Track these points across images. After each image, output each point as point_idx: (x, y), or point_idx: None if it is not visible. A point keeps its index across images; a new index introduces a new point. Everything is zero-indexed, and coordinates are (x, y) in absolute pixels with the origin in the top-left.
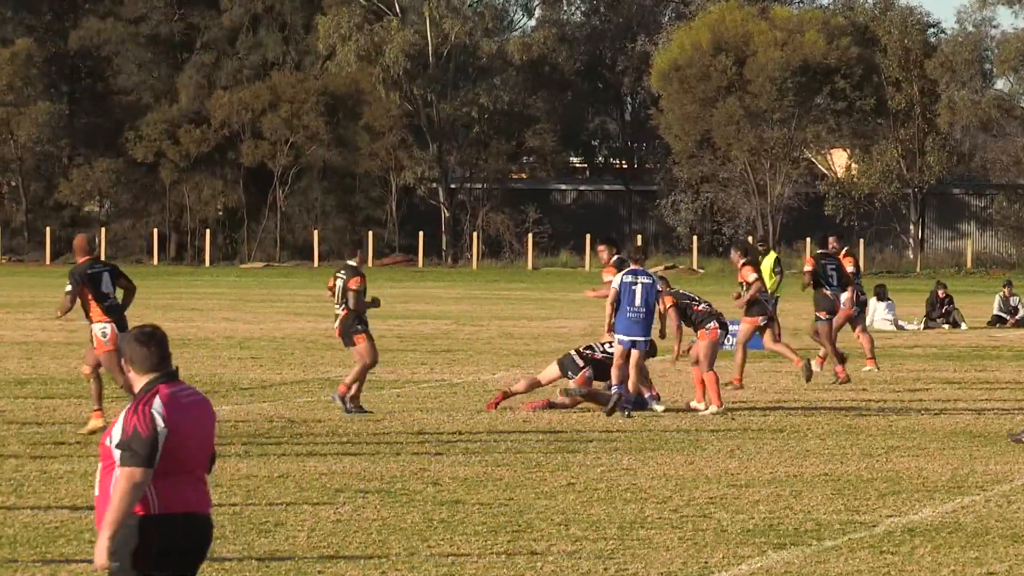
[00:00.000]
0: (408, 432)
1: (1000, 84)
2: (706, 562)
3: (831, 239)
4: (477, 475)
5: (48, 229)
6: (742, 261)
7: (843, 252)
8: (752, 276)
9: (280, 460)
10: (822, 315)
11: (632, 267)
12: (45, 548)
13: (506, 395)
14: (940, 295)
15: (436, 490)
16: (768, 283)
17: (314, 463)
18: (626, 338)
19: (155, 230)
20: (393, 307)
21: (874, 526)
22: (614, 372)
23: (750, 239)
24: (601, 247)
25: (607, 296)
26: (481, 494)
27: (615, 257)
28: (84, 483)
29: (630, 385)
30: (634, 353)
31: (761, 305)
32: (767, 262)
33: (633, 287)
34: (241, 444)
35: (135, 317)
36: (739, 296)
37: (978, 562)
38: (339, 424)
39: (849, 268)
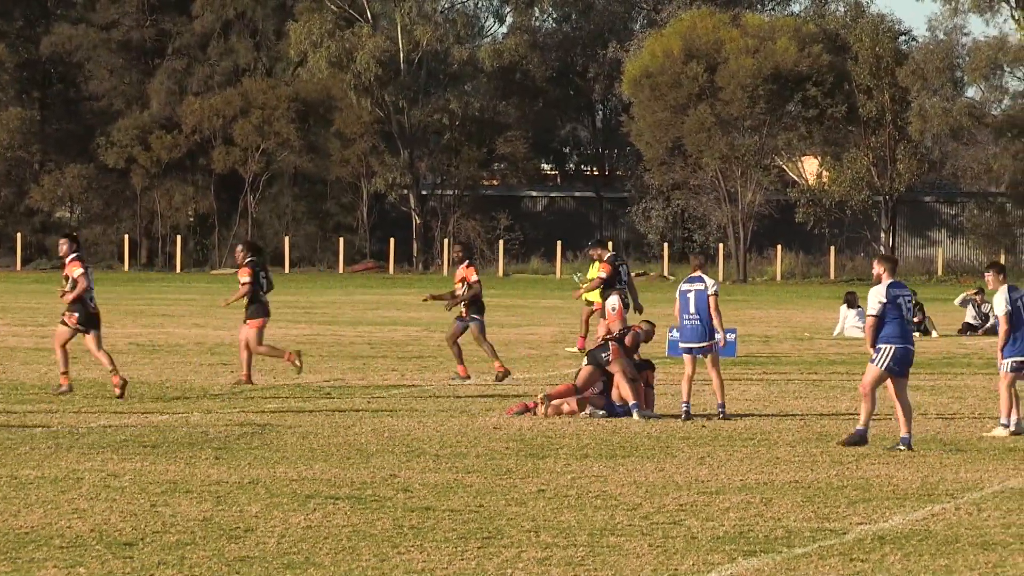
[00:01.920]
0: (378, 439)
1: (971, 92)
2: (676, 569)
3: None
4: (447, 482)
5: (19, 235)
6: (466, 261)
7: (604, 260)
8: (474, 277)
9: (250, 466)
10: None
11: (691, 274)
12: (15, 553)
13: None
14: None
15: (406, 497)
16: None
17: (284, 469)
18: (684, 345)
19: (126, 236)
20: (364, 313)
21: (844, 533)
22: (684, 386)
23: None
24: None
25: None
26: (451, 501)
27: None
28: (55, 488)
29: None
30: (694, 359)
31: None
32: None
33: (688, 294)
34: (212, 450)
35: (105, 323)
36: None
37: (948, 570)
38: (309, 430)
39: (601, 274)
